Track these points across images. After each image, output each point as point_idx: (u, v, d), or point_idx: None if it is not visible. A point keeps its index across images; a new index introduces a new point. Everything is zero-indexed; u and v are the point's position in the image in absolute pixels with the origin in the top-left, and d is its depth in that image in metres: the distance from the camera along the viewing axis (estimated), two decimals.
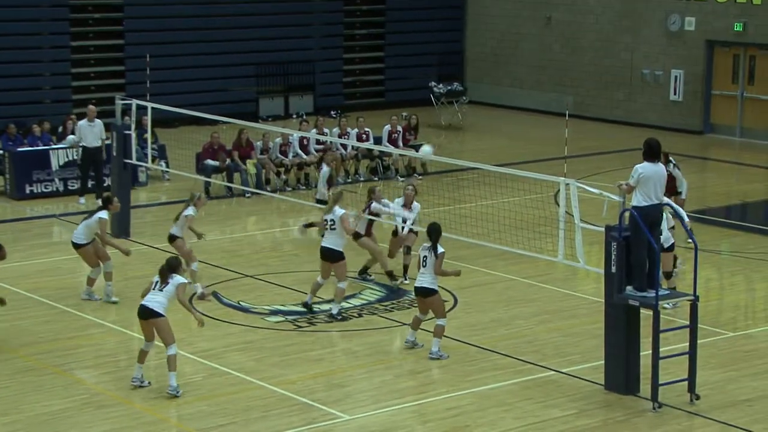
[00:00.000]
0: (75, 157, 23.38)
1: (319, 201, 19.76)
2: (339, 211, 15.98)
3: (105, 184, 22.43)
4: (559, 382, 13.78)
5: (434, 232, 14.56)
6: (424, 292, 14.48)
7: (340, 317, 15.94)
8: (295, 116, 32.85)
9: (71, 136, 23.80)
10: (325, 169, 20.28)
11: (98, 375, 13.87)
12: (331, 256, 15.87)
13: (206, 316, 16.00)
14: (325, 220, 16.04)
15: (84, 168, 22.70)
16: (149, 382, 13.49)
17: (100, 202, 16.95)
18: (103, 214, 16.30)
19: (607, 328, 13.54)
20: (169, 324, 13.27)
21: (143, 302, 13.33)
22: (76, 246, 16.41)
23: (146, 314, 13.26)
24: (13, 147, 23.50)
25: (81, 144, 22.59)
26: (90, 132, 22.44)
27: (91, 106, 22.95)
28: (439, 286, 14.57)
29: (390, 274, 17.28)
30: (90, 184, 22.81)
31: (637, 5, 31.85)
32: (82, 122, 22.64)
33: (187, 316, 15.48)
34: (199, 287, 16.63)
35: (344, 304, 16.50)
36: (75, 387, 13.50)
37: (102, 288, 16.54)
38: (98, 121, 22.58)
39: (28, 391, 13.39)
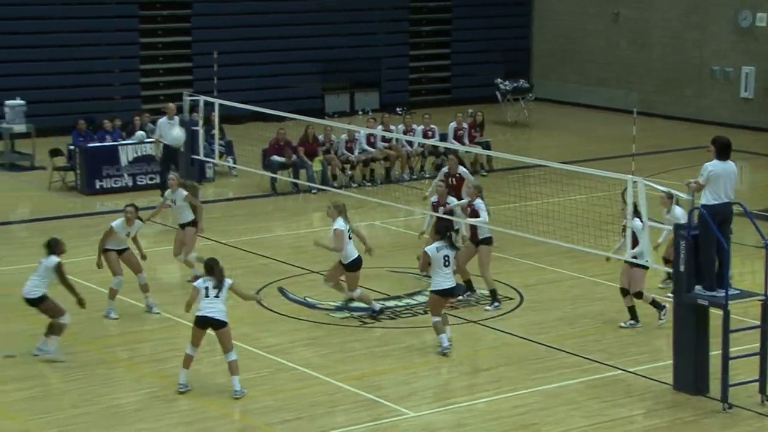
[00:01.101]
0: (144, 153, 23.62)
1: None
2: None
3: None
4: (627, 382, 13.67)
5: (446, 231, 14.59)
6: (454, 292, 14.72)
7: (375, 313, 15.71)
8: (360, 113, 32.91)
9: (140, 132, 24.06)
10: None
11: (166, 369, 14.00)
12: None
13: (273, 312, 16.13)
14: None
15: (164, 165, 22.59)
16: (190, 388, 13.31)
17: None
18: (113, 223, 15.64)
19: (676, 327, 13.39)
20: (230, 331, 13.17)
21: (204, 313, 12.98)
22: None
23: (208, 324, 13.04)
24: (83, 143, 23.82)
25: (162, 141, 22.48)
26: (170, 129, 22.55)
27: (170, 104, 22.87)
28: (496, 282, 14.47)
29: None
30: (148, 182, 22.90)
31: (706, 1, 31.46)
32: (162, 120, 22.56)
33: (251, 312, 15.59)
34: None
35: (410, 301, 16.52)
36: (143, 380, 13.66)
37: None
38: (178, 119, 22.66)
39: (99, 383, 13.57)
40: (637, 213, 14.76)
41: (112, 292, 15.89)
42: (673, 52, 32.33)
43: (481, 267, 16.07)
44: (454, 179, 19.09)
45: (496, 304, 16.22)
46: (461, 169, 19.16)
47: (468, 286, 16.40)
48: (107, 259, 15.79)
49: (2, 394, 13.25)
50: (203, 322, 13.09)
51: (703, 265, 13.00)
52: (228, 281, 13.19)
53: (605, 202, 20.59)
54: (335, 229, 15.48)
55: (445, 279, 14.25)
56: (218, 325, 13.05)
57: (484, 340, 15.08)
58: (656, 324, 15.42)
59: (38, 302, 14.10)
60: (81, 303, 14.38)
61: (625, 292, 15.33)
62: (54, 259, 14.05)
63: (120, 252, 15.85)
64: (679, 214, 15.37)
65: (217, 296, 13.03)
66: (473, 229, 16.29)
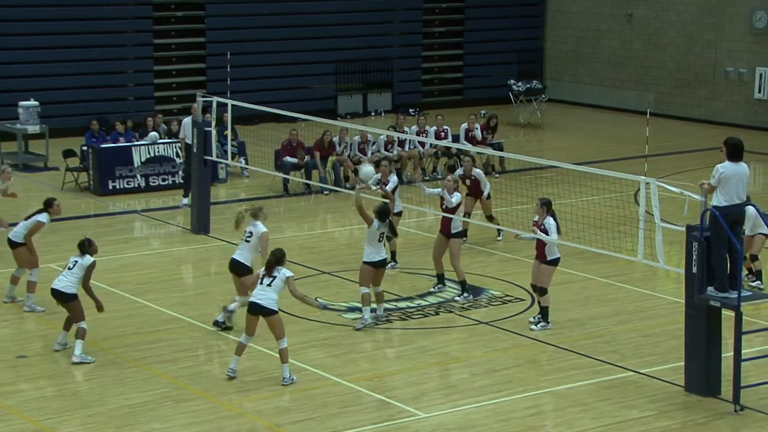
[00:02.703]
0: (158, 154, 23.67)
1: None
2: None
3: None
4: (638, 383, 13.64)
5: (384, 213, 15.19)
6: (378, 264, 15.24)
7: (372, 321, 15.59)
8: (373, 114, 32.94)
9: (152, 133, 24.11)
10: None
11: (177, 369, 14.04)
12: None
13: (284, 312, 16.14)
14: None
15: (189, 165, 22.41)
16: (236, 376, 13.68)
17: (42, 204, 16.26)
18: (42, 217, 15.99)
19: (688, 329, 13.37)
20: (281, 320, 13.50)
21: (254, 299, 13.42)
22: (12, 244, 16.02)
23: (259, 311, 13.40)
24: (96, 143, 23.89)
25: (186, 141, 22.30)
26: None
27: (194, 105, 22.89)
28: (507, 284, 14.49)
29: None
30: (160, 183, 22.87)
31: (720, 2, 31.38)
32: (187, 119, 22.35)
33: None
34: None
35: (422, 302, 16.53)
36: (155, 381, 13.69)
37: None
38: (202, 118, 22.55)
39: (110, 384, 13.61)
40: (550, 211, 15.34)
41: (15, 278, 16.40)
42: (687, 53, 32.26)
43: (452, 257, 16.48)
44: (468, 181, 19.12)
45: (465, 294, 16.56)
46: (476, 171, 19.20)
47: (440, 280, 16.93)
48: (19, 254, 16.15)
49: (15, 395, 13.30)
50: (252, 309, 13.47)
51: (715, 266, 12.97)
52: (286, 272, 13.51)
53: (618, 203, 20.55)
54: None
55: (377, 252, 15.12)
56: (266, 312, 13.39)
57: (495, 341, 15.07)
58: (668, 326, 15.40)
59: (70, 299, 14.31)
60: (99, 307, 14.52)
61: (534, 288, 15.59)
62: (90, 259, 14.39)
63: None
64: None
65: (269, 285, 13.40)
66: (445, 221, 16.59)
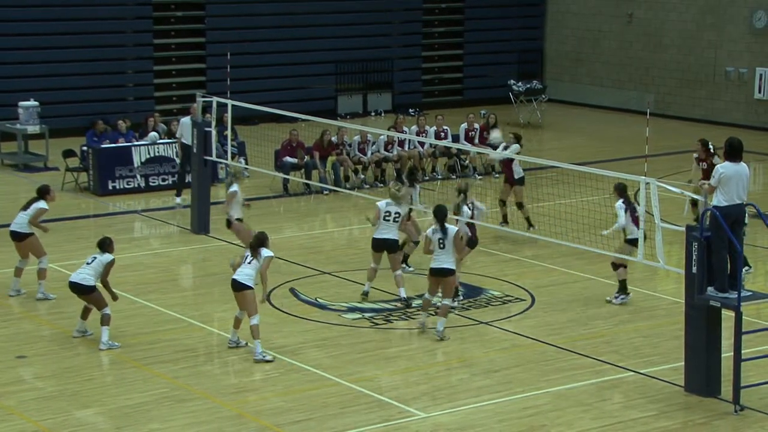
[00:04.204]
0: (157, 154, 23.67)
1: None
2: (453, 229, 15.22)
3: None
4: (638, 383, 13.64)
5: (439, 213, 14.96)
6: (444, 273, 14.88)
7: (405, 301, 16.29)
8: (373, 114, 32.94)
9: (152, 133, 24.10)
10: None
11: (177, 369, 14.04)
12: (390, 247, 16.33)
13: (284, 312, 16.16)
14: (387, 212, 16.38)
15: (183, 165, 22.48)
16: (246, 342, 14.40)
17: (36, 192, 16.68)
18: (42, 204, 16.36)
19: (688, 329, 13.36)
20: (254, 296, 14.12)
21: (234, 276, 14.23)
22: (17, 236, 16.31)
23: (235, 286, 14.20)
24: (97, 144, 23.87)
25: (182, 140, 22.34)
26: (189, 130, 22.40)
27: (195, 105, 22.87)
28: (508, 284, 14.53)
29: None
30: (160, 182, 22.88)
31: (721, 1, 31.37)
32: (185, 119, 22.37)
33: (262, 313, 15.61)
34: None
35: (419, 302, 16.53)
36: (155, 381, 13.68)
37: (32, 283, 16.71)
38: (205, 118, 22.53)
39: (110, 384, 13.61)
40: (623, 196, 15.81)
41: (19, 270, 16.64)
42: (687, 53, 32.25)
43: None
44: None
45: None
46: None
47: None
48: (24, 245, 16.44)
49: (15, 394, 13.29)
50: (232, 284, 14.26)
51: (715, 266, 12.97)
52: (266, 252, 14.21)
53: None
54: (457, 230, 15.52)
55: (435, 259, 14.96)
56: (239, 287, 14.10)
57: (495, 342, 15.06)
58: (668, 326, 15.40)
59: (89, 291, 14.71)
60: (114, 297, 14.98)
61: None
62: (109, 256, 14.83)
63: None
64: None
65: (249, 263, 14.16)
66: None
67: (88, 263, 14.79)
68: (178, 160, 23.52)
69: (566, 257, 18.52)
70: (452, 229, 15.00)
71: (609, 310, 16.37)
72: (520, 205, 19.91)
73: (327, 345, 14.93)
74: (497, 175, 24.65)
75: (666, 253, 14.32)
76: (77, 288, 14.72)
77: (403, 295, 16.32)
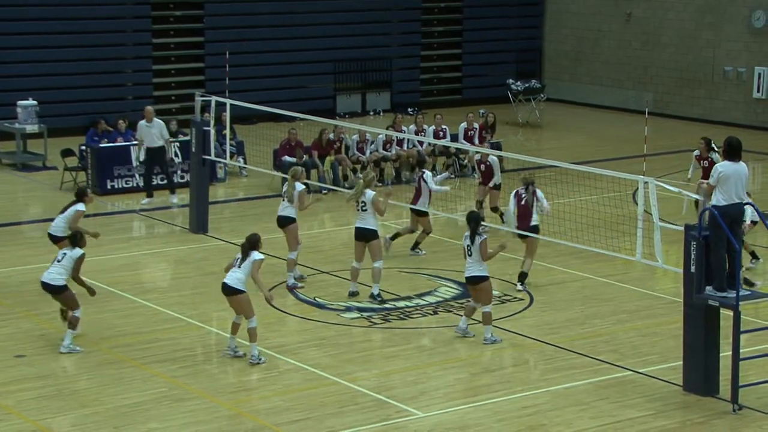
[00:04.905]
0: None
1: None
2: (370, 193, 16.28)
3: (175, 180, 22.70)
4: (637, 383, 13.64)
5: (472, 221, 14.84)
6: (474, 281, 14.78)
7: (380, 298, 16.26)
8: (372, 113, 32.93)
9: None
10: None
11: (176, 369, 14.03)
12: (365, 236, 16.30)
13: (282, 311, 16.15)
14: (357, 202, 16.44)
15: (147, 168, 22.59)
16: (243, 353, 14.12)
17: (74, 195, 16.85)
18: (80, 206, 16.39)
19: (686, 328, 13.36)
20: (249, 299, 13.93)
21: (224, 280, 14.01)
22: (55, 239, 16.30)
23: (226, 291, 14.01)
24: (97, 143, 23.85)
25: (145, 144, 22.35)
26: (148, 132, 22.29)
27: (148, 107, 22.77)
28: (505, 283, 14.50)
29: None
30: (159, 182, 22.86)
31: (719, 1, 31.38)
32: (141, 122, 22.45)
33: (260, 312, 15.61)
34: (291, 277, 17.06)
35: (420, 302, 16.53)
36: (153, 380, 13.68)
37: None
38: (157, 121, 22.41)
39: (108, 383, 13.60)
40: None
41: None
42: (686, 53, 32.25)
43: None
44: (483, 166, 19.61)
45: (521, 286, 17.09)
46: (492, 158, 19.66)
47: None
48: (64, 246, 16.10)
49: (13, 394, 13.28)
50: (222, 289, 14.07)
51: (714, 265, 12.96)
52: (256, 255, 13.97)
53: (616, 202, 20.56)
54: (371, 199, 16.18)
55: (467, 267, 14.89)
56: (231, 291, 13.91)
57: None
58: (667, 325, 15.41)
59: (60, 291, 14.46)
60: (91, 292, 14.84)
61: None
62: (79, 251, 14.58)
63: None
64: None
65: (239, 266, 13.94)
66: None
67: (58, 260, 14.48)
68: (177, 160, 23.52)
69: (565, 256, 18.52)
70: (478, 239, 14.62)
71: (607, 309, 16.37)
72: (495, 209, 20.06)
73: (325, 344, 14.93)
74: (475, 175, 24.57)
75: (664, 253, 14.32)
76: (48, 288, 14.47)
77: (375, 291, 16.33)
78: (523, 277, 17.01)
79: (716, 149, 18.83)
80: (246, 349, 14.21)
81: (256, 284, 14.09)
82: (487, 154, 19.83)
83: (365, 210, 16.37)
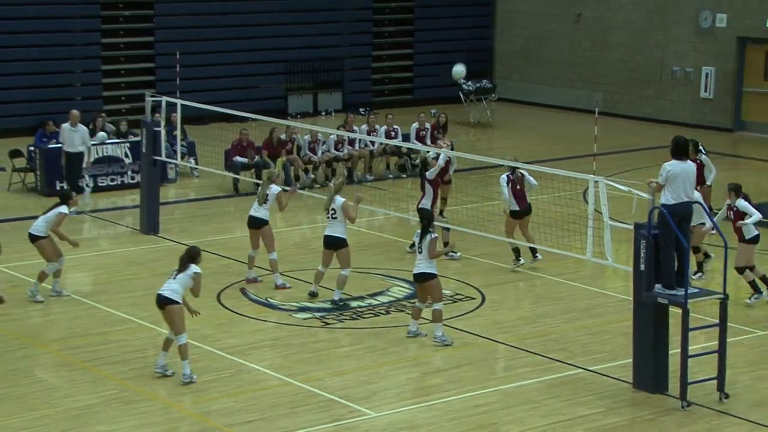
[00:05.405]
0: (106, 154, 23.48)
1: None
2: (339, 200, 16.22)
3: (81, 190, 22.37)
4: (587, 380, 13.74)
5: (424, 218, 14.91)
6: (422, 278, 14.74)
7: (341, 303, 16.19)
8: (324, 113, 32.91)
9: (101, 133, 23.90)
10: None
11: (126, 371, 13.94)
12: (334, 244, 16.15)
13: (234, 312, 16.10)
14: (327, 209, 16.32)
15: (68, 172, 22.27)
16: (173, 372, 13.61)
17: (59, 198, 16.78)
18: (64, 209, 16.31)
19: (636, 326, 13.48)
20: (182, 313, 13.44)
21: (159, 290, 13.50)
22: (34, 238, 16.31)
23: (161, 302, 13.46)
24: (45, 144, 23.62)
25: (64, 148, 22.07)
26: (72, 136, 22.06)
27: (74, 111, 22.47)
28: (456, 282, 14.53)
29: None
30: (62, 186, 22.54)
31: (668, 2, 31.68)
32: (65, 125, 22.15)
33: (212, 314, 15.58)
34: (278, 277, 17.06)
35: (372, 302, 16.54)
36: (103, 382, 13.58)
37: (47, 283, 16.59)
38: (81, 126, 22.18)
39: (58, 386, 13.49)
40: (739, 194, 16.13)
41: (43, 275, 16.51)
42: (635, 53, 32.52)
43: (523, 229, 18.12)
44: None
45: (538, 256, 18.04)
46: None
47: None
48: (42, 246, 16.44)
49: None
50: (156, 300, 13.53)
51: (663, 263, 13.09)
52: (194, 269, 13.48)
53: (567, 201, 20.70)
54: (341, 206, 16.15)
55: (416, 264, 14.88)
56: (165, 302, 13.37)
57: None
58: (617, 323, 15.54)
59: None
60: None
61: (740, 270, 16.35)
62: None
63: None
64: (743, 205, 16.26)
65: (174, 278, 13.46)
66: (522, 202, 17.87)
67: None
68: (128, 161, 23.37)
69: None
70: (428, 237, 14.58)
71: (558, 308, 16.47)
72: (444, 201, 19.99)
73: (278, 345, 14.90)
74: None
75: (615, 251, 14.44)
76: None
77: (336, 297, 16.27)
78: (534, 250, 17.97)
79: (703, 151, 19.05)
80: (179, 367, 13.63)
81: (194, 295, 13.65)
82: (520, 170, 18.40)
83: (335, 218, 16.22)
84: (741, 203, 16.25)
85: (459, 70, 18.87)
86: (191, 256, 13.56)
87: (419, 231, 14.89)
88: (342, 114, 30.99)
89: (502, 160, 17.91)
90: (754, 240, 16.29)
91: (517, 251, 18.00)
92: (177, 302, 13.39)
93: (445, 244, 17.92)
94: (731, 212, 16.40)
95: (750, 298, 16.38)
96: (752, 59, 30.41)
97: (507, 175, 17.92)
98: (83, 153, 22.23)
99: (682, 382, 12.88)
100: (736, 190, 16.37)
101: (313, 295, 16.58)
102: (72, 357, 14.40)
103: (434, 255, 14.72)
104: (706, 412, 12.83)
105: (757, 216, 16.13)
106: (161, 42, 30.85)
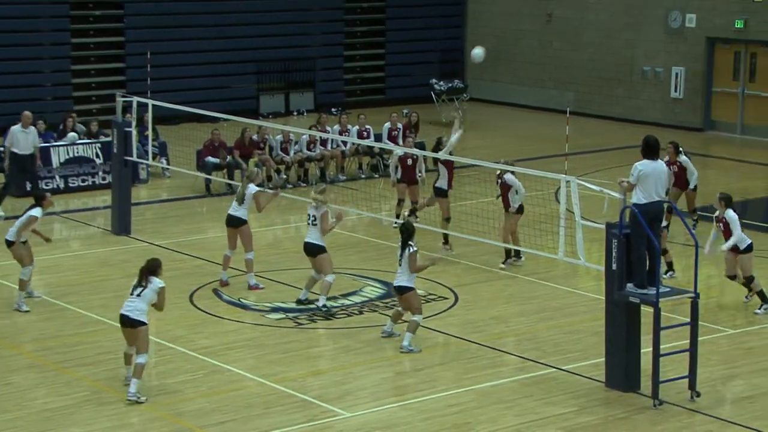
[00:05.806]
0: (77, 155, 23.37)
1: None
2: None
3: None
4: (560, 380, 13.79)
5: (405, 231, 14.64)
6: (400, 290, 14.67)
7: (325, 309, 16.04)
8: (296, 113, 32.87)
9: (72, 134, 23.80)
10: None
11: (99, 372, 13.89)
12: (311, 251, 16.09)
13: (207, 313, 16.06)
14: (308, 216, 16.21)
15: (12, 174, 21.90)
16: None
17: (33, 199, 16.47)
18: (36, 212, 16.06)
19: (608, 325, 13.55)
20: (147, 333, 13.07)
21: (122, 311, 13.03)
22: (8, 243, 16.10)
23: (126, 323, 13.04)
24: None
25: (12, 150, 21.73)
26: (23, 138, 21.74)
27: (26, 112, 22.09)
28: (429, 281, 14.54)
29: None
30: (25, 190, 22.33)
31: (637, 2, 31.84)
32: (15, 127, 21.80)
33: (185, 314, 15.53)
34: (252, 277, 17.02)
35: (345, 302, 16.54)
36: (76, 384, 13.52)
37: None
38: (33, 128, 21.93)
39: (30, 387, 13.41)
40: (729, 205, 16.00)
41: (23, 282, 16.24)
42: (606, 53, 32.67)
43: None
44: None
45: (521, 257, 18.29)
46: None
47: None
48: (16, 251, 16.23)
49: None
50: (121, 320, 13.10)
51: (635, 263, 13.17)
52: (158, 283, 13.02)
53: (539, 201, 20.76)
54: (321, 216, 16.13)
55: (396, 276, 14.80)
56: (132, 323, 12.96)
57: (419, 340, 15.08)
58: (589, 323, 15.61)
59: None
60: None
61: (731, 278, 16.33)
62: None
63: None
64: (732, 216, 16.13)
65: (138, 295, 12.97)
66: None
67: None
68: (98, 161, 23.25)
69: (488, 255, 18.66)
70: (408, 250, 14.44)
71: (530, 307, 16.53)
72: (414, 202, 20.17)
73: (251, 345, 14.88)
74: (420, 174, 24.69)
75: (586, 251, 14.51)
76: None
77: (321, 303, 16.14)
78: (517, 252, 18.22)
79: (684, 153, 19.16)
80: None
81: (158, 310, 13.33)
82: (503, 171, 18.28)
83: (315, 225, 16.09)
84: (729, 214, 16.05)
85: (478, 53, 19.00)
86: (152, 269, 13.02)
87: (400, 242, 14.63)
88: (314, 114, 30.98)
89: (472, 160, 17.92)
90: (749, 248, 16.12)
91: (514, 251, 18.11)
92: (144, 323, 12.97)
93: (447, 220, 18.89)
94: (720, 224, 16.25)
95: (760, 309, 16.17)
96: (721, 59, 30.62)
97: (510, 173, 17.94)
98: (34, 155, 21.94)
99: (654, 381, 12.96)
100: (726, 201, 16.15)
101: (301, 302, 16.37)
102: (44, 359, 14.32)
103: (415, 269, 14.59)
104: (678, 410, 12.92)
105: (735, 237, 15.90)
106: (132, 42, 30.72)
